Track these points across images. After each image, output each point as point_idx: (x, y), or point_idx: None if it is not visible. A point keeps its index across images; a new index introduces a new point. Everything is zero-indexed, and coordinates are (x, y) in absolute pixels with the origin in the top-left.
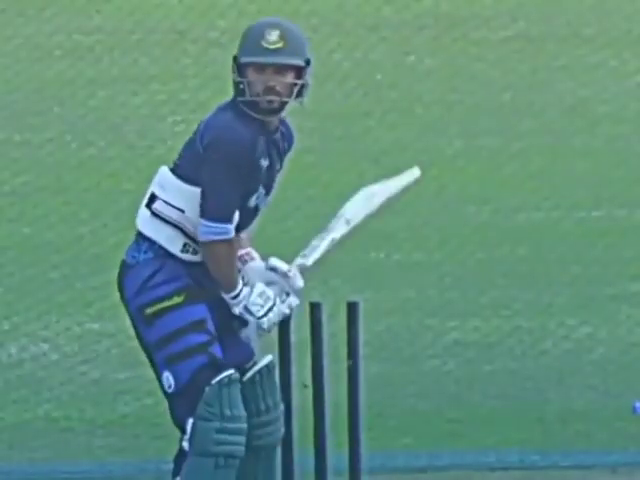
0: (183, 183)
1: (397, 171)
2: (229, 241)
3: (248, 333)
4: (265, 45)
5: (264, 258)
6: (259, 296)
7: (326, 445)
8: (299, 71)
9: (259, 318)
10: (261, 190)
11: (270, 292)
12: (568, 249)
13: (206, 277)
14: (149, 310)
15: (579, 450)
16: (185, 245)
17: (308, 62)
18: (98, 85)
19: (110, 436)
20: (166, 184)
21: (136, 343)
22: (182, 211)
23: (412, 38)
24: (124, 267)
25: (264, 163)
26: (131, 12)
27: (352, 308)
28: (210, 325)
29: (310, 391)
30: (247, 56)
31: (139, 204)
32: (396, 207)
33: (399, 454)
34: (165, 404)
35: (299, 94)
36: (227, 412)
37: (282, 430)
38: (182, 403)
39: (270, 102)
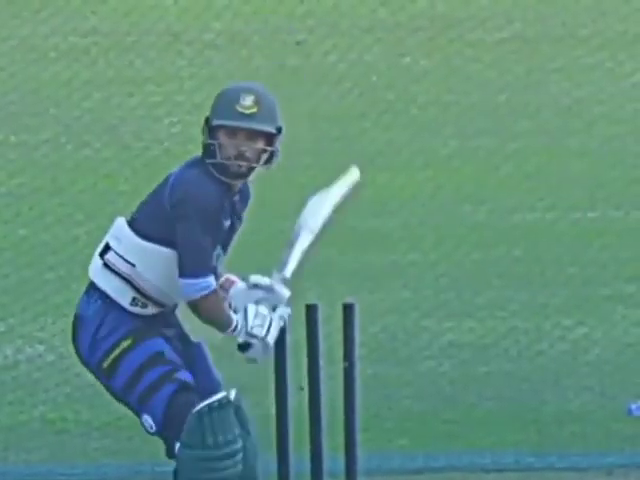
0: (138, 238)
1: (392, 171)
2: (214, 291)
3: (255, 355)
4: (240, 110)
5: (242, 277)
6: (255, 317)
7: (322, 447)
8: (270, 138)
9: (264, 338)
10: (219, 250)
11: (263, 309)
12: (564, 250)
13: (155, 319)
14: (105, 364)
15: (575, 452)
16: (134, 299)
17: (279, 130)
18: (94, 87)
19: (105, 438)
20: (121, 237)
21: None
22: (133, 265)
23: (407, 39)
24: (76, 320)
25: (226, 223)
26: (126, 14)
27: (348, 310)
28: (170, 354)
29: (306, 393)
30: (220, 119)
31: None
32: (392, 208)
33: (395, 456)
34: None
35: (268, 161)
36: (209, 440)
37: (238, 467)
38: (170, 436)
39: (239, 166)
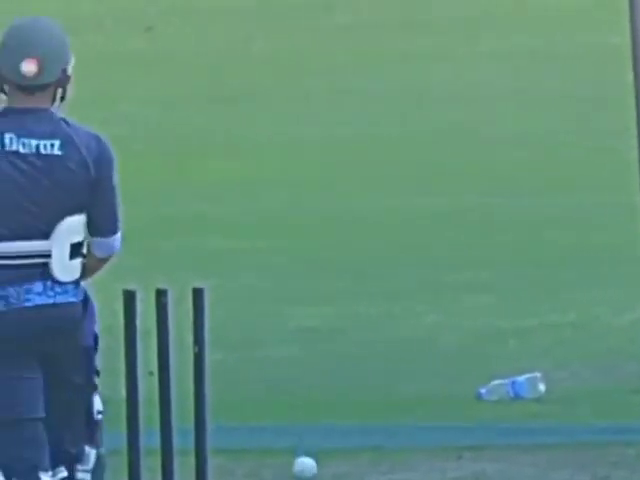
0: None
1: (239, 159)
2: None
3: None
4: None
5: None
6: None
7: (172, 433)
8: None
9: None
10: None
11: None
12: (415, 235)
13: None
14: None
15: (425, 434)
16: None
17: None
18: None
19: None
20: (82, 226)
21: None
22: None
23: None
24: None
25: None
26: None
27: (197, 294)
28: None
29: (155, 379)
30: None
31: None
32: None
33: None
34: None
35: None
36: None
37: None
38: (92, 435)
39: None
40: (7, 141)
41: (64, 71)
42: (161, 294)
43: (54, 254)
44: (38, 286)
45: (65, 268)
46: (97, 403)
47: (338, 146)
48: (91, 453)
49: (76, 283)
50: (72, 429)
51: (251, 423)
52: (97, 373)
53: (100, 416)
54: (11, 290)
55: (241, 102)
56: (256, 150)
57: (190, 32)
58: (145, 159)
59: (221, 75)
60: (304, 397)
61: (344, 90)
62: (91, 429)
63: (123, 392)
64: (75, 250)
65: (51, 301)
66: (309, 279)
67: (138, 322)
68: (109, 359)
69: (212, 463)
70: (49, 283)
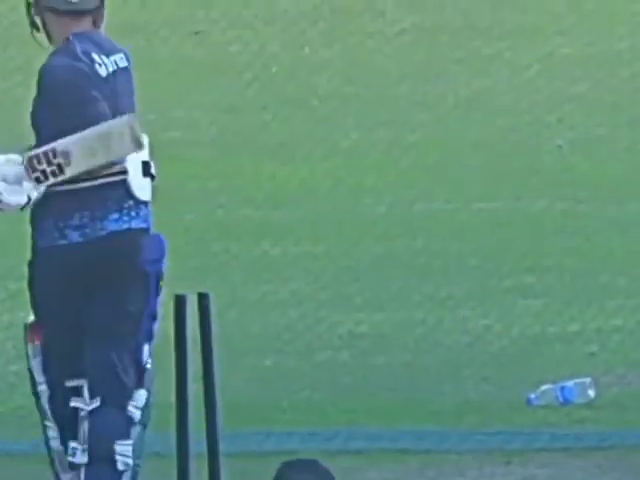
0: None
1: (293, 164)
2: None
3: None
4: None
5: None
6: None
7: (218, 436)
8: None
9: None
10: None
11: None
12: (464, 241)
13: None
14: (161, 282)
15: (475, 440)
16: None
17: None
18: None
19: (5, 427)
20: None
21: None
22: None
23: (308, 30)
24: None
25: None
26: None
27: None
28: None
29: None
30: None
31: None
32: (292, 200)
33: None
34: None
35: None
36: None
37: None
38: (141, 377)
39: None
40: (96, 58)
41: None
42: (203, 298)
43: (130, 171)
44: (114, 213)
45: (142, 186)
46: (146, 352)
47: (395, 151)
48: (141, 393)
49: (148, 207)
50: (121, 357)
51: (303, 428)
52: (153, 317)
53: (149, 365)
54: (82, 221)
55: (294, 108)
56: (310, 156)
57: (242, 36)
58: (197, 164)
59: (273, 80)
60: (354, 402)
61: (401, 95)
62: (140, 372)
63: (172, 397)
64: (146, 168)
65: (125, 226)
66: (359, 285)
67: (189, 326)
68: (158, 363)
69: (259, 466)
70: (125, 208)
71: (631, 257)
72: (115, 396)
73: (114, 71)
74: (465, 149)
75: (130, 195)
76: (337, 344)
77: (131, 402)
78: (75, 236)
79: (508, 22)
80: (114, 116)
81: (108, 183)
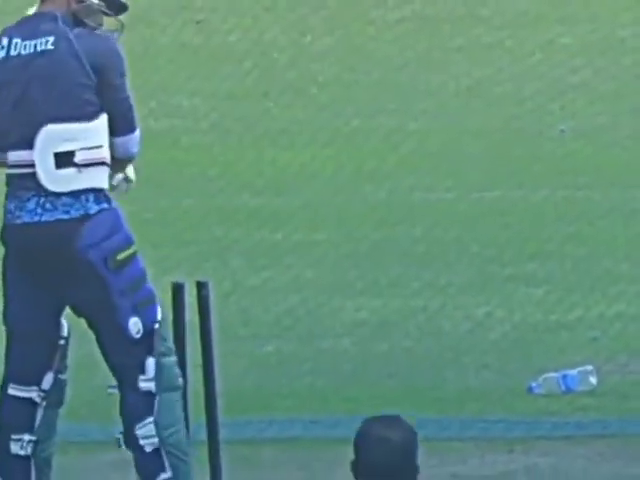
0: (80, 123)
1: (294, 150)
2: None
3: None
4: None
5: None
6: None
7: (217, 423)
8: None
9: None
10: None
11: None
12: (465, 229)
13: None
14: (120, 256)
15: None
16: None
17: None
18: None
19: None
20: (77, 134)
21: None
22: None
23: (309, 18)
24: (75, 221)
25: None
26: None
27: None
28: None
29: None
30: None
31: None
32: (293, 186)
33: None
34: None
35: None
36: (173, 345)
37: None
38: (144, 347)
39: None
40: (13, 46)
41: None
42: (202, 286)
43: (37, 163)
44: (31, 203)
45: (55, 179)
46: (132, 325)
47: (395, 138)
48: (150, 362)
49: (74, 196)
50: (112, 345)
51: (304, 415)
52: (126, 291)
53: (157, 325)
54: (11, 206)
55: (295, 95)
56: (310, 143)
57: (243, 24)
58: (198, 151)
59: (275, 68)
60: (355, 389)
61: (402, 83)
62: (149, 340)
63: None
64: (62, 159)
65: (36, 219)
66: (360, 271)
67: (187, 314)
68: None
69: (261, 453)
70: (42, 199)
71: (633, 243)
72: (126, 377)
73: (28, 54)
74: (466, 137)
75: (42, 187)
76: (338, 331)
77: (141, 377)
78: (7, 218)
79: (509, 10)
80: (21, 100)
81: (22, 174)
